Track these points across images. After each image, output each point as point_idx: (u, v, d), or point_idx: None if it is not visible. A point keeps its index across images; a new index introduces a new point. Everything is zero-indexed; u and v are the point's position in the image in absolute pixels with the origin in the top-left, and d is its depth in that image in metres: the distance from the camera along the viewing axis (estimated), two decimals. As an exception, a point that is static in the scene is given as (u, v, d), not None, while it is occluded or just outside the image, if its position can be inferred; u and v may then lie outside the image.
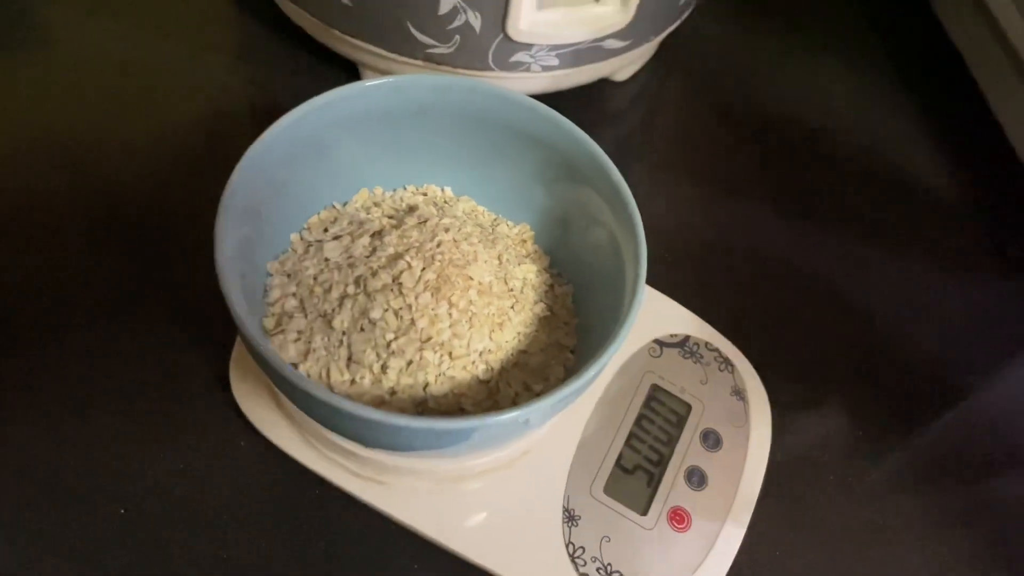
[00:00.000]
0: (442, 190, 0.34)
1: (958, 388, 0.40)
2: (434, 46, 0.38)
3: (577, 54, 0.40)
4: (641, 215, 0.28)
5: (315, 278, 0.29)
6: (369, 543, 0.32)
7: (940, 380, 0.41)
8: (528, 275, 0.31)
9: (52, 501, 0.31)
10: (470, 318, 0.28)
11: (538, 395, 0.28)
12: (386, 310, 0.27)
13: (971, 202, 0.47)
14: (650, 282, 0.28)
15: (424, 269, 0.28)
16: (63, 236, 0.37)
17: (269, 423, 0.32)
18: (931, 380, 0.40)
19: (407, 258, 0.28)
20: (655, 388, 0.35)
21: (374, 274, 0.28)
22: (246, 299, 0.26)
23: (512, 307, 0.29)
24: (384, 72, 0.41)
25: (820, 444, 0.37)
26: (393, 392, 0.27)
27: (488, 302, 0.28)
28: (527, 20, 0.37)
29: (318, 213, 0.32)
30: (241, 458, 0.33)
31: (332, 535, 0.32)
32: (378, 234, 0.30)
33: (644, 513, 0.32)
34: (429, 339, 0.27)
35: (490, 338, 0.28)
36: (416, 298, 0.27)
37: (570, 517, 0.31)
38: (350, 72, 0.44)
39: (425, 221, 0.30)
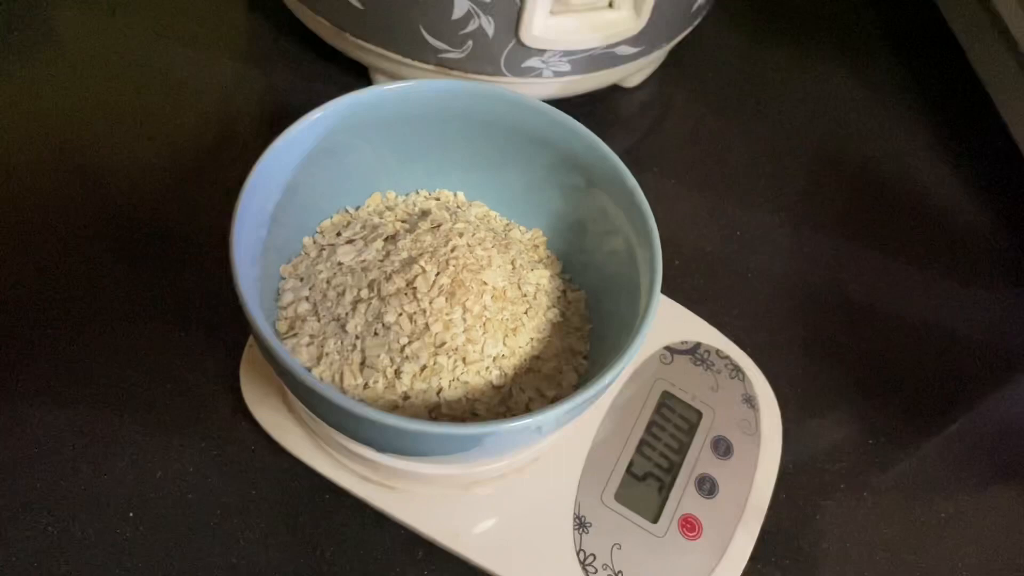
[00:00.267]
0: (455, 195, 0.34)
1: (970, 398, 0.40)
2: (446, 50, 0.38)
3: (589, 60, 0.40)
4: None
5: (328, 282, 0.29)
6: (379, 548, 0.32)
7: (952, 390, 0.40)
8: (541, 280, 0.31)
9: (62, 504, 0.31)
10: (484, 323, 0.28)
11: (551, 401, 0.28)
12: (400, 314, 0.27)
13: (983, 211, 0.47)
14: (661, 288, 0.28)
15: (438, 274, 0.28)
16: (74, 239, 0.37)
17: (280, 427, 0.31)
18: (943, 390, 0.40)
19: (421, 262, 0.28)
20: (666, 395, 0.34)
21: (388, 278, 0.28)
22: (259, 302, 0.26)
23: (526, 312, 0.29)
24: (395, 76, 0.41)
25: (831, 453, 0.37)
26: (406, 397, 0.27)
27: (502, 307, 0.28)
28: (540, 26, 0.37)
29: (331, 217, 0.32)
30: (251, 462, 0.33)
31: (342, 540, 0.32)
32: (391, 238, 0.30)
33: (655, 521, 0.32)
34: (443, 344, 0.27)
35: (504, 343, 0.28)
36: (430, 303, 0.27)
37: (581, 524, 0.31)
38: (361, 76, 0.44)
39: (438, 226, 0.30)
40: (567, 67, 0.40)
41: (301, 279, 0.30)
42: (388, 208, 0.33)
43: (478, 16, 0.36)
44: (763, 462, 0.34)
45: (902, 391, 0.40)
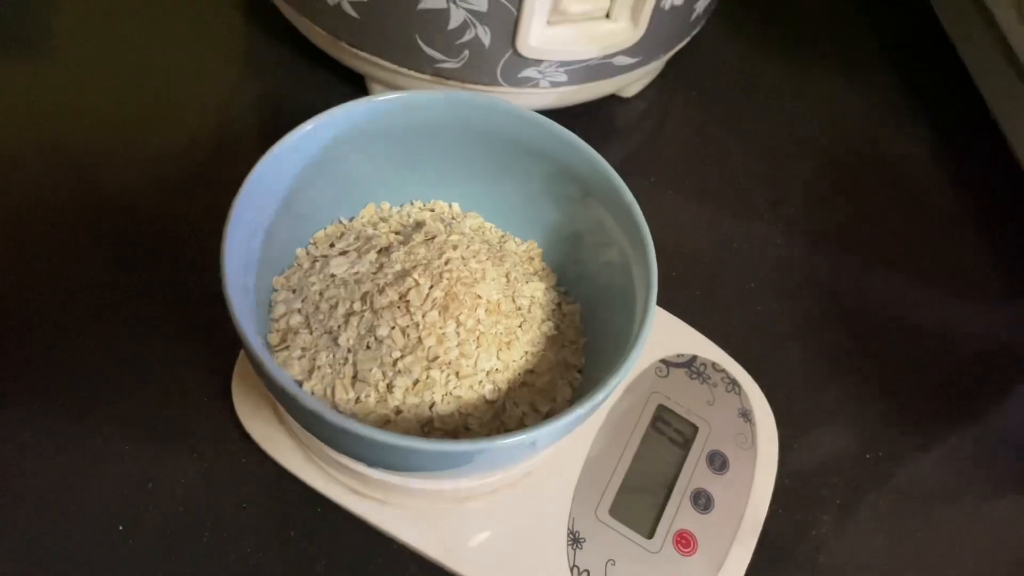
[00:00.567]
0: (450, 206, 0.34)
1: (969, 411, 0.40)
2: (443, 60, 0.38)
3: (586, 70, 0.40)
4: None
5: (321, 294, 0.29)
6: (371, 562, 0.31)
7: (950, 403, 0.40)
8: (536, 293, 0.31)
9: (49, 516, 0.30)
10: (478, 337, 0.27)
11: (545, 416, 0.28)
12: (393, 328, 0.27)
13: (982, 222, 0.47)
14: (657, 300, 0.27)
15: (432, 287, 0.28)
16: (67, 247, 0.36)
17: (271, 440, 0.31)
18: (941, 402, 0.40)
19: (415, 275, 0.28)
20: (661, 408, 0.34)
21: (381, 291, 0.28)
22: (251, 314, 0.26)
23: (520, 326, 0.29)
24: (392, 85, 0.41)
25: (828, 467, 0.37)
26: (398, 411, 0.27)
27: (496, 321, 0.28)
28: (537, 36, 0.37)
29: (324, 228, 0.32)
30: (242, 475, 0.32)
31: (334, 554, 0.31)
32: (385, 250, 0.30)
33: (650, 536, 0.31)
34: (436, 358, 0.27)
35: (497, 357, 0.28)
36: (423, 316, 0.27)
37: (575, 539, 0.31)
38: (358, 85, 0.44)
39: (433, 238, 0.30)
40: (564, 77, 0.40)
41: (294, 291, 0.29)
42: (382, 219, 0.32)
43: (474, 26, 0.36)
44: (759, 477, 0.34)
45: (900, 404, 0.40)
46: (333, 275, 0.29)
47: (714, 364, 0.36)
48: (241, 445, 0.32)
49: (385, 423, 0.27)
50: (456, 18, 0.36)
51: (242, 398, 0.32)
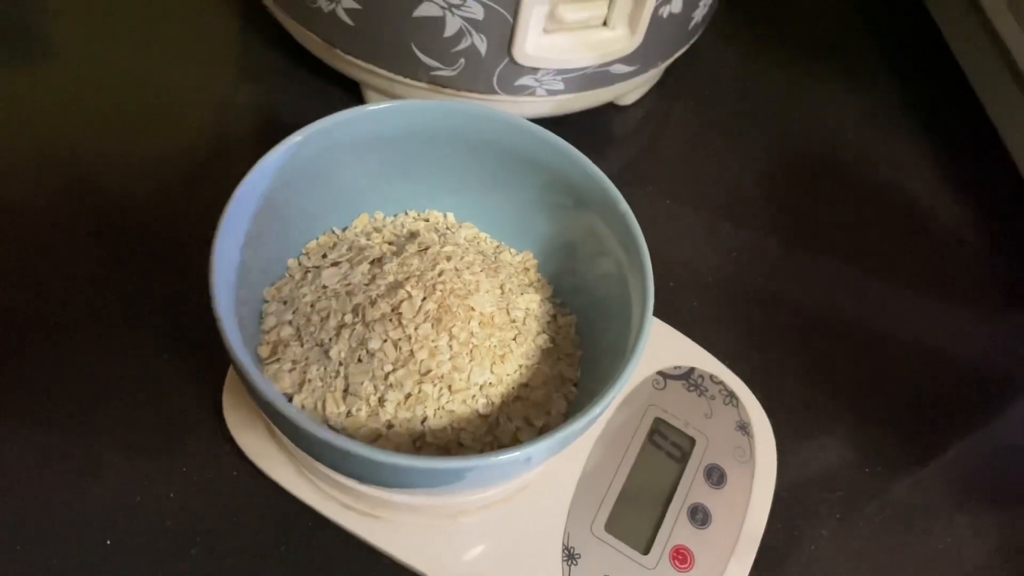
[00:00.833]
0: (444, 216, 0.33)
1: (967, 424, 0.40)
2: (438, 68, 0.37)
3: (583, 79, 0.39)
4: (646, 242, 0.28)
5: (312, 306, 0.28)
6: (362, 578, 0.31)
7: (949, 417, 0.40)
8: (531, 305, 0.30)
9: (35, 529, 0.30)
10: (471, 350, 0.27)
11: (539, 430, 0.27)
12: (384, 341, 0.26)
13: (982, 234, 0.47)
14: (653, 312, 0.27)
15: (424, 299, 0.27)
16: (60, 255, 0.36)
17: (262, 453, 0.31)
18: (940, 416, 0.40)
19: (407, 287, 0.27)
20: (658, 421, 0.34)
21: (373, 303, 0.27)
22: (241, 326, 0.25)
23: (514, 339, 0.29)
24: (388, 93, 0.41)
25: (827, 481, 0.37)
26: (390, 425, 0.26)
27: (490, 334, 0.28)
28: (533, 44, 0.36)
29: (317, 238, 0.31)
30: (233, 489, 0.32)
31: (325, 569, 0.31)
32: (378, 261, 0.29)
33: (646, 552, 0.31)
34: (428, 372, 0.26)
35: (491, 371, 0.27)
36: (416, 329, 0.27)
37: (570, 555, 0.30)
38: (354, 92, 0.43)
39: (426, 249, 0.29)
40: (561, 85, 0.39)
41: (285, 302, 0.29)
42: (376, 229, 0.32)
43: (470, 34, 0.36)
44: (757, 491, 0.33)
45: (899, 417, 0.39)
46: (325, 286, 0.29)
47: (712, 376, 0.35)
48: (231, 458, 0.32)
49: (376, 438, 0.26)
50: (452, 26, 0.35)
51: (233, 411, 0.31)
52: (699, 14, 0.41)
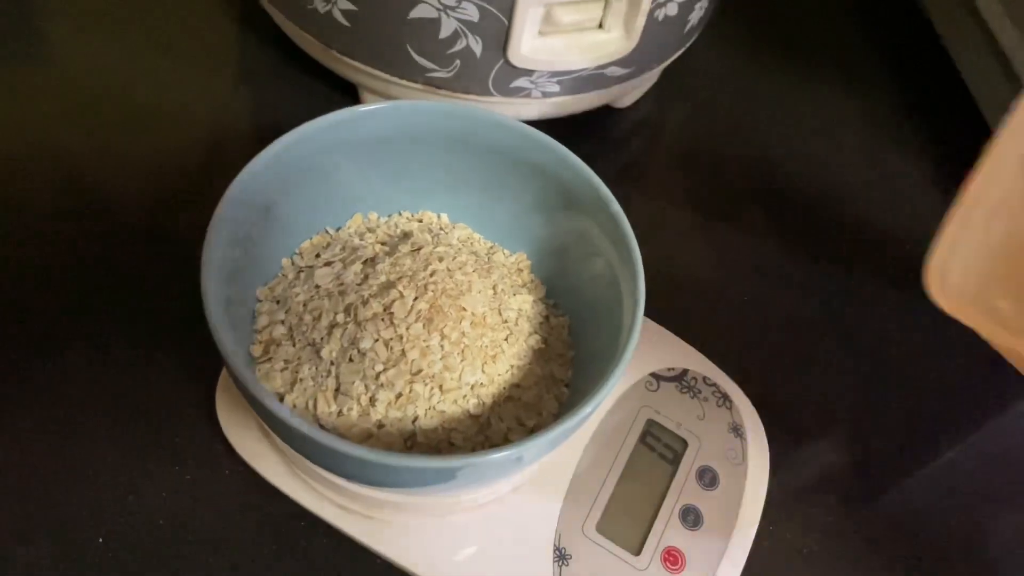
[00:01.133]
0: (438, 217, 0.33)
1: (960, 430, 0.40)
2: (434, 70, 0.38)
3: (579, 81, 0.39)
4: (640, 244, 0.28)
5: (305, 305, 0.28)
6: (354, 578, 0.31)
7: (942, 421, 0.40)
8: (523, 306, 0.30)
9: (28, 528, 0.30)
10: (462, 350, 0.27)
11: (531, 430, 0.28)
12: (376, 340, 0.27)
13: (975, 237, 0.47)
14: (648, 313, 0.27)
15: (416, 299, 0.27)
16: (53, 255, 0.36)
17: (255, 453, 0.31)
18: (933, 421, 0.40)
19: (399, 287, 0.27)
20: (651, 423, 0.34)
21: (365, 303, 0.27)
22: (234, 326, 0.25)
23: (506, 339, 0.29)
24: (384, 94, 0.41)
25: (819, 483, 0.37)
26: (381, 425, 0.26)
27: (481, 334, 0.28)
28: (528, 46, 0.36)
29: (311, 238, 0.31)
30: (226, 488, 0.32)
31: (318, 569, 0.31)
32: (370, 261, 0.29)
33: (637, 553, 0.31)
34: (420, 371, 0.26)
35: (482, 371, 0.27)
36: (407, 328, 0.27)
37: (561, 556, 0.30)
38: (350, 93, 0.43)
39: (419, 249, 0.30)
40: (556, 88, 0.39)
41: (277, 302, 0.29)
42: (369, 229, 0.32)
43: (465, 36, 0.36)
44: (749, 493, 0.33)
45: (893, 421, 0.39)
46: (318, 286, 0.29)
47: (705, 378, 0.36)
48: (225, 458, 0.32)
49: (367, 437, 0.26)
50: (447, 27, 0.35)
51: (226, 410, 0.32)
52: (695, 17, 0.42)
